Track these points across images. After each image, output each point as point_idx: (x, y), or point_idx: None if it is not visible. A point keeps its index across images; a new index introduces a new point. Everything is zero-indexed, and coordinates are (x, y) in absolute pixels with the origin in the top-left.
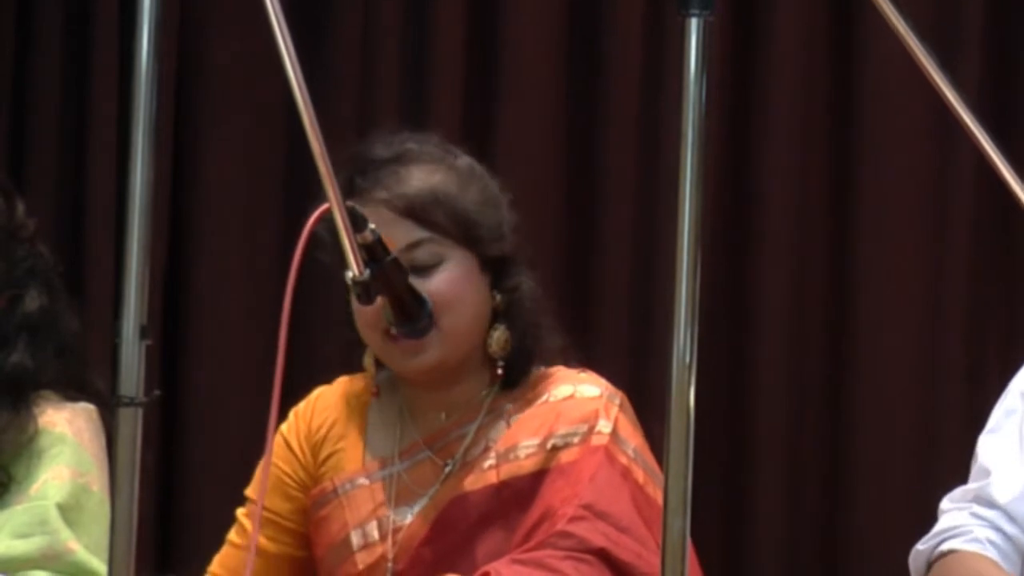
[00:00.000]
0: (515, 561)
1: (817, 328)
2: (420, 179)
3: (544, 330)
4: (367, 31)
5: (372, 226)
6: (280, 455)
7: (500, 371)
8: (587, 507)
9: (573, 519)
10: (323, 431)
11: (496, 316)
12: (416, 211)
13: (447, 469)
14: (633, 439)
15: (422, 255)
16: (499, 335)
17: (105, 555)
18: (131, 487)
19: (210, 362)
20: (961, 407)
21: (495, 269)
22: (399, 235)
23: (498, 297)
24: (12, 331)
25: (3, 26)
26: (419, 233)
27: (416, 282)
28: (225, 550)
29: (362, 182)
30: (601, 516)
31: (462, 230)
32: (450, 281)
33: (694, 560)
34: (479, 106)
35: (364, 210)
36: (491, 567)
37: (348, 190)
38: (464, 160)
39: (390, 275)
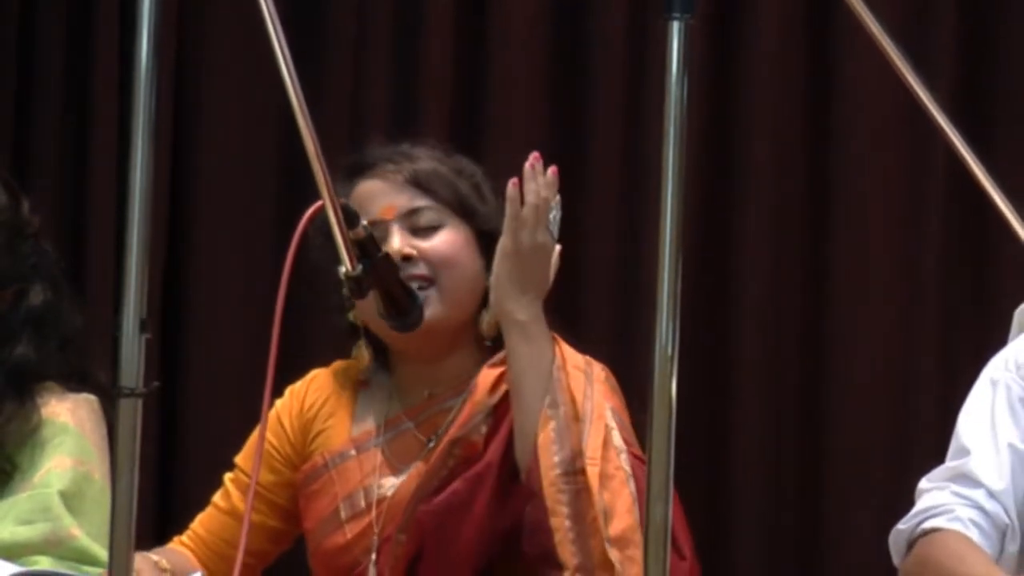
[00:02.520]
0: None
1: (795, 320)
2: (421, 159)
3: None
4: (360, 33)
5: (364, 223)
6: (271, 429)
7: (489, 346)
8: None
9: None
10: (315, 409)
11: (488, 298)
12: (420, 181)
13: (430, 445)
14: (610, 400)
15: (424, 219)
16: (491, 316)
17: (106, 541)
18: (131, 475)
19: (207, 354)
20: (935, 395)
21: (489, 249)
22: (403, 200)
23: (490, 278)
24: (17, 325)
25: (6, 30)
26: (421, 200)
27: (418, 243)
28: (208, 511)
29: (369, 160)
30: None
31: (459, 204)
32: (450, 242)
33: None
34: (467, 107)
35: (373, 178)
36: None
37: (357, 169)
38: (458, 158)
39: (382, 270)
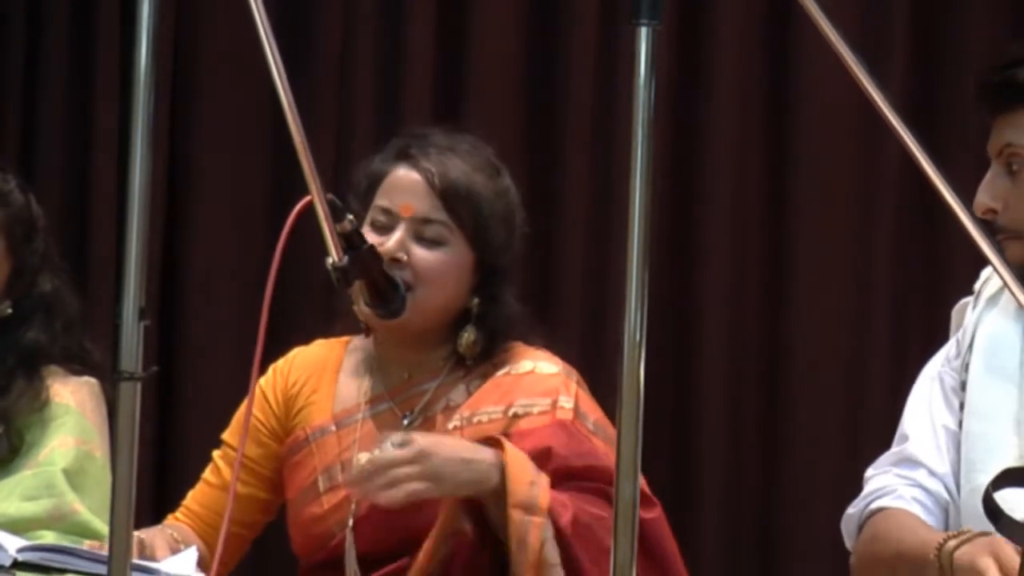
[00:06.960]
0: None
1: (755, 310)
2: (463, 171)
3: (511, 340)
4: (347, 32)
5: (350, 216)
6: (257, 405)
7: (468, 364)
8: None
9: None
10: (298, 386)
11: (469, 317)
12: (447, 193)
13: (405, 422)
14: (592, 413)
15: (431, 231)
16: (468, 337)
17: (106, 516)
18: (130, 454)
19: (202, 340)
20: (886, 380)
21: (485, 276)
22: (422, 205)
23: (475, 300)
24: (30, 310)
25: (12, 31)
26: (438, 213)
27: (413, 249)
28: (199, 487)
29: (415, 150)
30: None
31: (475, 231)
32: (441, 262)
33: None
34: (445, 111)
35: (410, 169)
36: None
37: (400, 154)
38: (505, 180)
39: (367, 261)
